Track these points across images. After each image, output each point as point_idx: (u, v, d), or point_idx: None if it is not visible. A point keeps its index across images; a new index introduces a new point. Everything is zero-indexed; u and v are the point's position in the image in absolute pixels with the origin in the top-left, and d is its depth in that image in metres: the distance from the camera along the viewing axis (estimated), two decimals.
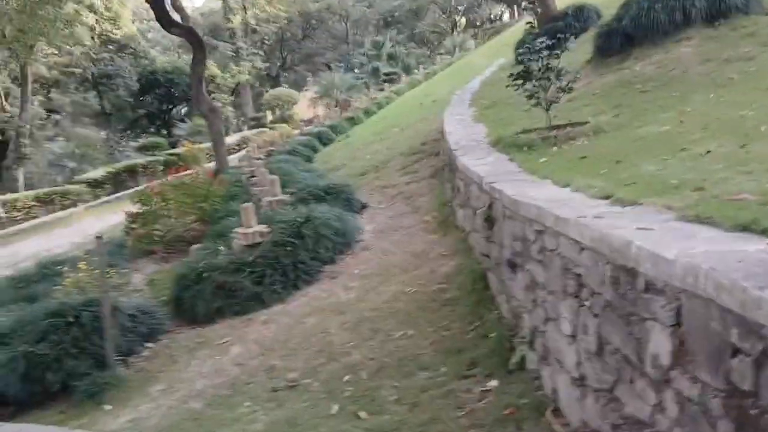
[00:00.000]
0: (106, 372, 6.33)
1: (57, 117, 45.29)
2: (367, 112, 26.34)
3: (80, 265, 7.80)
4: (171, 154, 29.70)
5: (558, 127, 7.53)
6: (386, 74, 38.14)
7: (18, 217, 21.28)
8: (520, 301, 4.78)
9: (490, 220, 5.57)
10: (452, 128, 9.52)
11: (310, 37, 69.23)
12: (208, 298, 7.35)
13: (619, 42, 11.44)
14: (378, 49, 51.24)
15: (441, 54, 46.25)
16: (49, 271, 10.80)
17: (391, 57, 49.74)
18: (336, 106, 32.35)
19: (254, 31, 58.19)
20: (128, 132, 50.79)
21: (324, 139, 21.83)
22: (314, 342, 5.91)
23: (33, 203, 22.37)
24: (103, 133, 50.32)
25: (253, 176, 14.04)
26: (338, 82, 33.31)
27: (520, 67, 7.99)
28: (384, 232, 8.30)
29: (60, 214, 22.56)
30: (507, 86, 8.32)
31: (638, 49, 11.14)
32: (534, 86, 7.56)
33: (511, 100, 11.96)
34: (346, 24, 68.93)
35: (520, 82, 7.79)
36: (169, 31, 19.12)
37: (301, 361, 5.66)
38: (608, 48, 11.64)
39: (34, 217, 22.40)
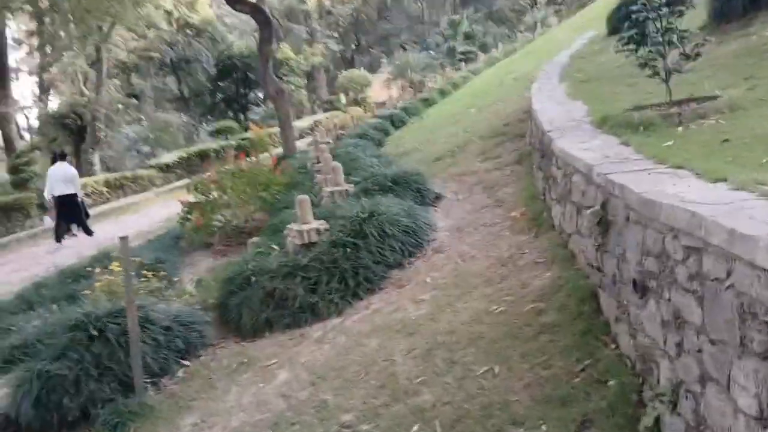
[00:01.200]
0: (131, 399, 5.37)
1: (135, 101, 45.86)
2: (443, 93, 24.92)
3: (113, 266, 6.88)
4: (244, 139, 29.15)
5: (680, 102, 6.06)
6: (462, 53, 36.48)
7: (87, 204, 21.00)
8: (652, 339, 3.46)
9: (603, 224, 4.23)
10: (543, 106, 8.12)
11: (386, 18, 67.99)
12: (255, 307, 6.29)
13: (741, 4, 9.72)
14: (454, 28, 49.55)
15: (521, 32, 44.03)
16: (101, 264, 10.06)
17: (468, 36, 47.94)
18: (410, 87, 31.05)
19: (329, 12, 57.46)
20: (207, 116, 51.17)
21: (396, 122, 20.60)
22: (375, 373, 4.74)
23: (103, 188, 22.08)
24: (184, 118, 50.90)
25: (318, 162, 12.98)
26: (413, 62, 31.98)
27: (630, 32, 6.54)
28: (462, 230, 7.02)
29: (130, 199, 22.24)
30: (617, 52, 6.89)
31: (766, 12, 9.41)
32: (650, 52, 6.09)
33: (610, 74, 10.41)
34: (421, 3, 67.33)
35: (632, 47, 6.34)
36: (234, 8, 18.30)
37: (359, 398, 4.50)
38: (727, 12, 9.93)
39: (104, 203, 22.16)
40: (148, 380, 5.59)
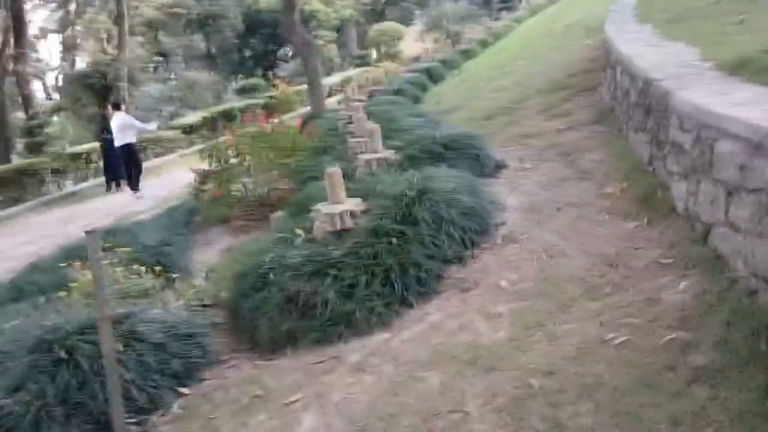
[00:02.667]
0: None
1: (161, 59, 44.58)
2: (484, 44, 23.03)
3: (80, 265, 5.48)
4: (271, 97, 27.64)
5: None
6: (502, 1, 34.20)
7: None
8: None
9: None
10: (634, 50, 6.43)
11: None
12: (274, 314, 4.83)
13: None
14: None
15: None
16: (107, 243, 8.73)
17: None
18: (447, 39, 29.08)
19: None
20: (235, 74, 49.80)
21: (435, 76, 18.88)
22: (440, 430, 3.28)
23: None
24: (212, 76, 49.68)
25: (350, 122, 11.42)
26: (449, 12, 29.84)
27: None
28: (539, 210, 5.43)
29: (151, 162, 20.94)
30: None
31: None
32: None
33: (701, 12, 8.63)
34: None
35: None
36: None
37: None
38: None
39: None
40: (131, 419, 4.21)
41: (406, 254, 4.79)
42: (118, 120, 13.93)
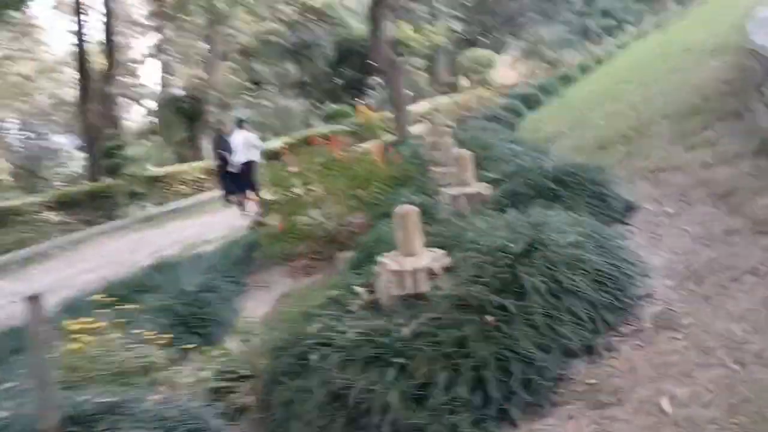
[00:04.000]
0: None
1: (252, 86, 44.82)
2: (584, 69, 21.16)
3: (72, 325, 4.18)
4: (357, 124, 26.63)
5: None
6: (603, 28, 32.14)
7: (184, 191, 19.11)
8: None
9: None
10: None
11: None
12: (312, 413, 3.38)
13: None
14: (590, 4, 44.85)
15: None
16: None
17: (606, 13, 43.16)
18: (543, 65, 27.32)
19: None
20: (325, 101, 49.74)
21: (530, 102, 17.22)
22: None
23: (200, 175, 20.08)
24: (304, 103, 49.84)
25: (435, 149, 9.99)
26: (546, 38, 28.08)
27: None
28: (701, 278, 3.72)
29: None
30: None
31: None
32: None
33: None
34: None
35: None
36: None
37: None
38: None
39: (205, 191, 20.22)
40: None
41: (508, 341, 3.22)
42: (241, 138, 13.67)
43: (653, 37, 23.13)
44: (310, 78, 49.90)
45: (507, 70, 34.18)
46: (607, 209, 5.07)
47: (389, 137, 16.26)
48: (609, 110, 11.36)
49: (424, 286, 3.79)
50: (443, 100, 32.32)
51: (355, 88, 49.95)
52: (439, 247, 4.17)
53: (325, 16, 48.40)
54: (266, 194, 8.72)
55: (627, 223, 5.05)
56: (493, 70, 36.54)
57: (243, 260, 8.35)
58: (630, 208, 5.28)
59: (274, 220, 8.51)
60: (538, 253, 3.66)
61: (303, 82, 50.71)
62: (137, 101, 50.43)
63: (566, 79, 19.91)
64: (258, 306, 6.87)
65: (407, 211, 4.10)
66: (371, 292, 4.37)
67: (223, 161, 14.19)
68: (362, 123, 19.63)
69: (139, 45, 51.36)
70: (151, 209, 18.81)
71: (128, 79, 48.13)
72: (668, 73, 12.56)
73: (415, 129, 18.39)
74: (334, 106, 32.54)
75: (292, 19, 45.49)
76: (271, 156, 23.72)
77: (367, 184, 8.36)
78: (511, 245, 3.75)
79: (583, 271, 3.61)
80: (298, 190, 8.64)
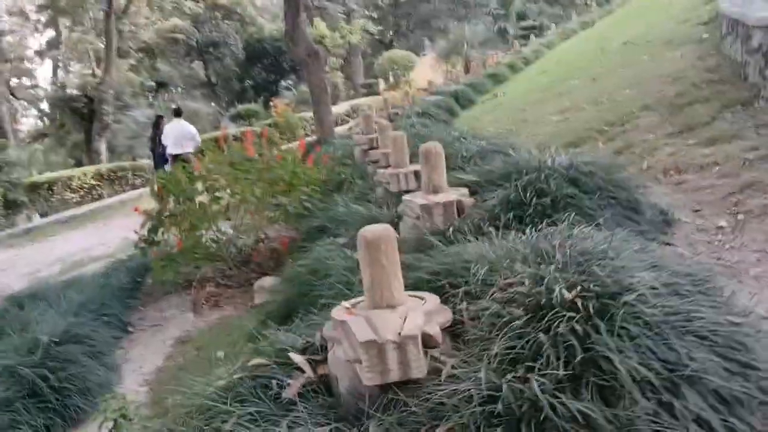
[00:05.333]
0: None
1: (153, 86, 41.89)
2: (513, 68, 20.12)
3: None
4: (270, 124, 24.71)
5: None
6: (525, 28, 31.55)
7: (73, 200, 16.67)
8: None
9: None
10: None
11: (426, 0, 63.01)
12: None
13: None
14: (506, 8, 44.72)
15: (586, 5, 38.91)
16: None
17: (521, 17, 43.08)
18: (467, 65, 26.25)
19: None
20: (234, 103, 47.41)
21: (462, 100, 15.91)
22: None
23: (93, 182, 17.66)
24: (212, 105, 47.36)
25: (372, 148, 8.36)
26: (469, 36, 27.01)
27: None
28: None
29: (126, 195, 17.84)
30: None
31: None
32: None
33: None
34: None
35: None
36: None
37: None
38: None
39: (97, 199, 17.82)
40: None
41: None
42: (176, 129, 12.16)
43: (583, 34, 22.43)
44: (218, 79, 47.65)
45: (427, 70, 32.97)
46: (644, 224, 3.58)
47: (309, 138, 14.55)
48: (560, 106, 10.09)
49: (418, 366, 2.15)
50: (365, 100, 30.81)
51: (267, 90, 47.95)
52: (435, 292, 2.55)
53: (233, 13, 46.34)
54: (150, 204, 6.81)
55: (670, 244, 3.58)
56: (413, 71, 35.27)
57: (129, 289, 6.44)
58: (666, 221, 3.82)
59: (169, 236, 6.64)
60: (617, 307, 2.09)
61: (211, 82, 48.41)
62: (30, 102, 46.49)
63: (496, 78, 18.78)
64: (147, 357, 5.04)
65: (379, 235, 2.44)
66: (317, 362, 2.72)
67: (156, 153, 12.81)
68: (279, 122, 17.73)
69: (35, 42, 47.53)
70: (36, 220, 16.30)
71: (19, 78, 44.24)
72: (619, 67, 11.46)
73: (338, 130, 16.76)
74: (245, 105, 30.33)
75: (198, 15, 43.00)
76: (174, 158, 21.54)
77: (292, 190, 6.63)
78: (568, 294, 2.16)
79: (700, 340, 2.06)
80: (202, 198, 6.82)
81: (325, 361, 2.71)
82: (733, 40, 7.54)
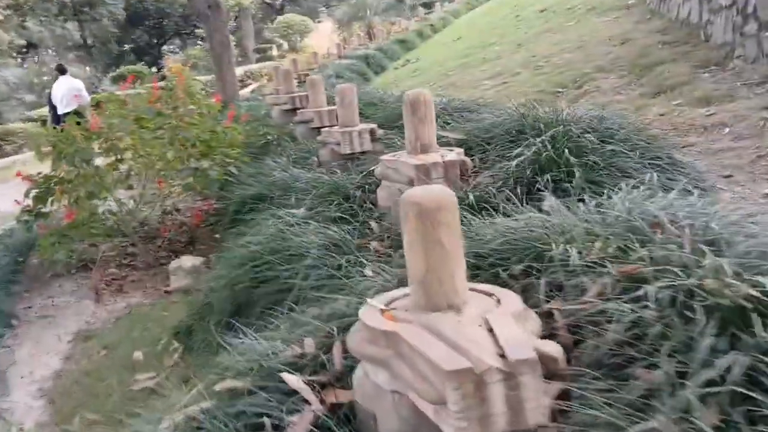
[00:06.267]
0: None
1: (23, 46, 38.21)
2: (421, 35, 19.48)
3: None
4: (168, 85, 22.72)
5: None
6: None
7: None
8: None
9: None
10: None
11: None
12: None
13: None
14: None
15: None
16: None
17: None
18: (367, 33, 25.35)
19: None
20: (113, 68, 44.14)
21: (374, 66, 15.09)
22: None
23: None
24: (87, 70, 43.80)
25: (296, 108, 7.40)
26: (371, 2, 26.06)
27: None
28: None
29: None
30: None
31: None
32: None
33: None
34: None
35: None
36: None
37: None
38: None
39: None
40: None
41: None
42: (64, 86, 11.16)
43: (490, 3, 22.05)
44: (94, 41, 44.38)
45: (325, 36, 31.77)
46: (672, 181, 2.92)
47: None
48: (493, 71, 9.47)
49: (536, 408, 1.34)
50: (257, 68, 29.26)
51: (148, 54, 45.13)
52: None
53: None
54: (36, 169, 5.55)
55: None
56: (310, 37, 33.97)
57: (10, 272, 5.20)
58: (702, 188, 3.19)
59: (60, 207, 5.44)
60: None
61: (86, 44, 44.99)
62: None
63: (405, 44, 18.07)
64: (39, 358, 3.93)
65: (439, 201, 1.59)
66: (322, 385, 1.87)
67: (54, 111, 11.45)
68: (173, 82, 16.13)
69: None
70: None
71: None
72: (544, 33, 11.00)
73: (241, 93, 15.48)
74: (129, 67, 28.02)
75: None
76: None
77: (210, 153, 5.58)
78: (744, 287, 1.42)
79: None
80: (98, 162, 5.65)
81: (334, 383, 1.87)
82: (683, 0, 7.14)
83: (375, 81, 13.82)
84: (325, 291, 2.58)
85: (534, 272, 1.87)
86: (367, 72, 14.08)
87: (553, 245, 1.88)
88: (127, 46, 45.72)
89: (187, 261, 4.90)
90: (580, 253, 1.82)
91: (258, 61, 34.76)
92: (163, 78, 24.75)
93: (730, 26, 5.50)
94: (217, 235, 5.03)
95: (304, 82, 11.99)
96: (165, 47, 47.21)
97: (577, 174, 2.60)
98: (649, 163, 2.89)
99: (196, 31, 42.98)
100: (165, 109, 5.64)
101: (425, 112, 3.24)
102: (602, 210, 2.08)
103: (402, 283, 2.26)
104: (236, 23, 43.70)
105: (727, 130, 3.93)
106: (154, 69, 38.16)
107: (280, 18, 37.40)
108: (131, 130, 5.38)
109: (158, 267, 5.42)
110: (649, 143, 3.10)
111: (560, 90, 6.53)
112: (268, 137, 6.22)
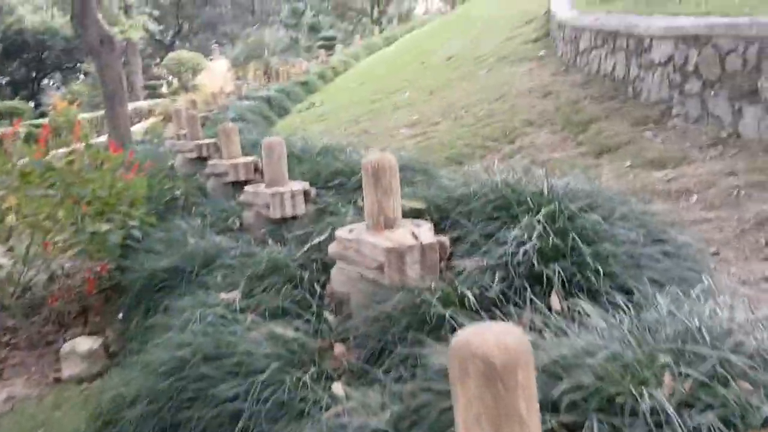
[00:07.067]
0: None
1: None
2: (323, 77, 19.15)
3: None
4: (38, 126, 21.12)
5: None
6: (326, 39, 30.90)
7: None
8: None
9: None
10: None
11: (211, 3, 60.42)
12: None
13: None
14: (297, 17, 44.00)
15: (379, 25, 39.51)
16: None
17: (314, 28, 42.49)
18: (265, 73, 24.80)
19: None
20: None
21: (276, 107, 14.53)
22: None
23: None
24: None
25: (202, 157, 6.73)
26: (269, 41, 25.52)
27: None
28: None
29: None
30: None
31: None
32: None
33: None
34: None
35: None
36: None
37: None
38: None
39: None
40: None
41: None
42: None
43: (391, 49, 22.07)
44: None
45: (219, 75, 30.83)
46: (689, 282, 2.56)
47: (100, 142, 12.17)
48: (409, 119, 9.16)
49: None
50: (147, 105, 27.94)
51: (26, 88, 42.59)
52: None
53: None
54: None
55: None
56: (203, 74, 32.83)
57: None
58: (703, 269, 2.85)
59: None
60: None
61: None
62: None
63: (306, 86, 17.65)
64: None
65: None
66: None
67: None
68: (58, 121, 14.81)
69: None
70: None
71: None
72: (457, 81, 10.89)
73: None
74: (7, 102, 26.02)
75: None
76: None
77: (109, 211, 4.82)
78: None
79: None
80: None
81: None
82: (606, 54, 7.10)
83: (279, 124, 13.25)
84: (283, 423, 2.00)
85: None
86: (270, 114, 13.49)
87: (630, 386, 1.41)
88: (2, 80, 43.10)
89: (83, 343, 4.11)
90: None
91: (147, 98, 33.24)
92: (43, 115, 23.14)
93: (666, 83, 5.41)
94: (119, 315, 4.26)
95: (204, 124, 11.28)
96: (45, 81, 44.67)
97: (592, 263, 2.17)
98: (662, 252, 2.50)
99: (80, 65, 40.96)
100: (56, 162, 4.83)
101: (390, 181, 2.73)
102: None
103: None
104: (125, 58, 41.89)
105: (695, 197, 3.69)
106: (32, 104, 35.77)
107: (171, 54, 36.07)
108: (15, 187, 4.54)
109: (45, 346, 4.57)
110: (647, 219, 2.75)
111: (490, 143, 6.24)
112: (176, 192, 5.51)
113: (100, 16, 11.16)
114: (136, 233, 4.65)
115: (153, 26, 46.22)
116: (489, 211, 2.76)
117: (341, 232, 2.82)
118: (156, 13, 47.43)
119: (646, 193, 3.98)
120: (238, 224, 4.43)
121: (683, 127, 4.93)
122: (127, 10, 42.98)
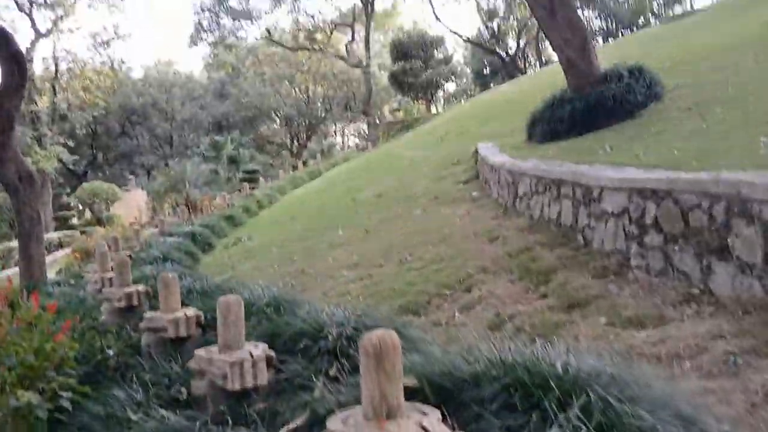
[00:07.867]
0: None
1: None
2: (248, 211, 18.93)
3: None
4: None
5: None
6: (248, 172, 30.97)
7: None
8: None
9: None
10: None
11: (128, 135, 60.18)
12: None
13: None
14: (218, 150, 44.17)
15: (299, 159, 40.19)
16: None
17: (233, 160, 42.76)
18: (186, 205, 24.33)
19: (63, 118, 48.13)
20: None
21: (201, 243, 14.05)
22: None
23: None
24: None
25: (131, 306, 6.21)
26: (190, 174, 25.29)
27: None
28: None
29: None
30: None
31: None
32: None
33: None
34: (171, 124, 61.12)
35: None
36: None
37: None
38: None
39: None
40: None
41: None
42: None
43: (316, 183, 22.23)
44: None
45: (134, 206, 30.16)
46: None
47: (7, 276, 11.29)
48: (349, 260, 8.93)
49: None
50: (57, 237, 26.75)
51: None
52: None
53: None
54: None
55: None
56: (117, 204, 32.07)
57: None
58: None
59: None
60: None
61: None
62: None
63: (231, 220, 17.33)
64: None
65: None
66: None
67: None
68: None
69: None
70: None
71: None
72: (393, 219, 10.85)
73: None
74: None
75: None
76: None
77: (35, 378, 4.21)
78: None
79: None
80: None
81: None
82: (549, 201, 7.19)
83: (205, 260, 12.74)
84: None
85: None
86: (195, 251, 12.98)
87: None
88: None
89: None
90: None
91: (57, 229, 31.91)
92: None
93: (622, 234, 5.43)
94: None
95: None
96: None
97: None
98: None
99: None
100: None
101: (394, 364, 2.41)
102: None
103: None
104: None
105: (688, 364, 3.52)
106: None
107: (85, 184, 35.17)
108: None
109: None
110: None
111: (445, 291, 6.05)
112: (108, 351, 4.94)
113: (18, 150, 10.69)
114: (67, 404, 4.05)
115: (67, 156, 45.30)
116: (502, 394, 2.47)
117: (335, 425, 2.43)
118: (71, 143, 46.64)
119: (632, 356, 3.80)
120: (185, 394, 3.93)
121: (647, 280, 4.88)
122: (40, 140, 42.07)
